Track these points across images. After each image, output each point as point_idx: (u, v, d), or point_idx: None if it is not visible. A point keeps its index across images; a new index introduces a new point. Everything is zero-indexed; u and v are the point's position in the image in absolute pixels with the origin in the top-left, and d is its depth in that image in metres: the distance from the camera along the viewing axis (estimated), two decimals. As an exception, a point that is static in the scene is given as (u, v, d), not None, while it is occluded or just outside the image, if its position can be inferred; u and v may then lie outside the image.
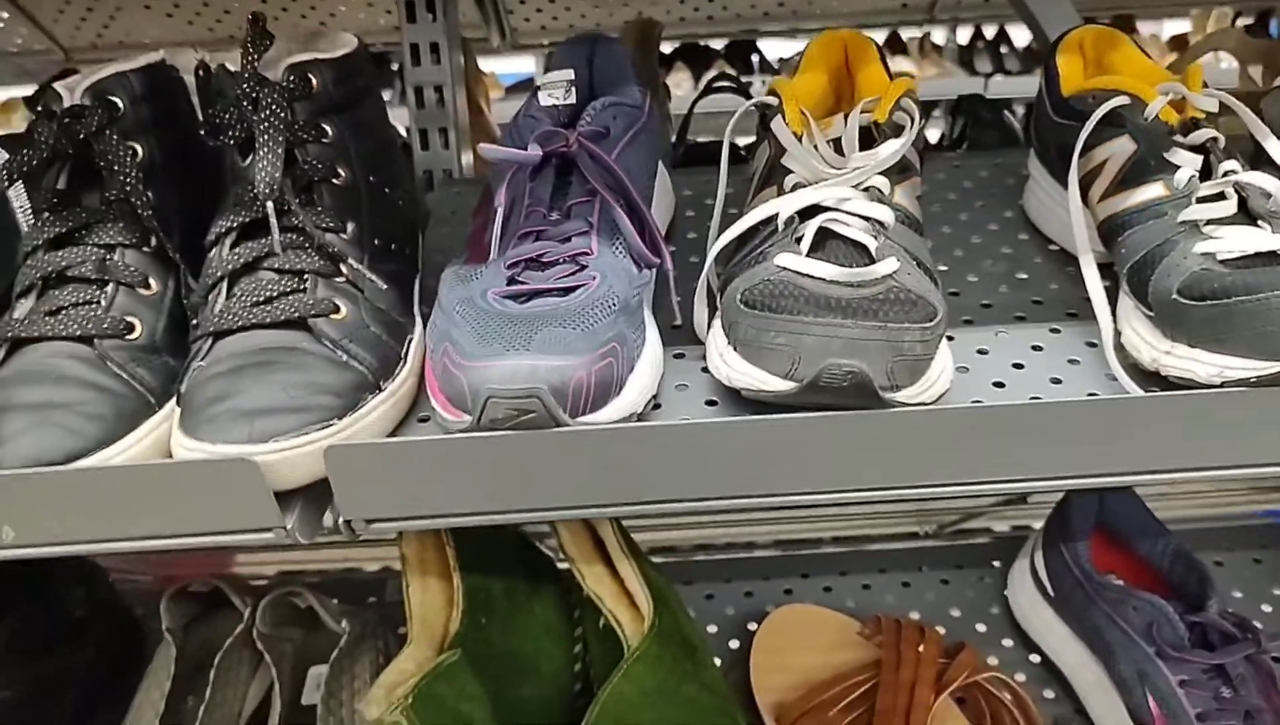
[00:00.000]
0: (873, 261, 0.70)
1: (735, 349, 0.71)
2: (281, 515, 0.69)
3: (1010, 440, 0.67)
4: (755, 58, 2.80)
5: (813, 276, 0.69)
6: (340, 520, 0.71)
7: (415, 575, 0.92)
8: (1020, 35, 2.89)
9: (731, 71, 2.62)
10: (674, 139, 1.37)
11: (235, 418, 0.68)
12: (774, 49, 2.87)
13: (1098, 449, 0.67)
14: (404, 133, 1.17)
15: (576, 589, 0.93)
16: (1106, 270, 0.79)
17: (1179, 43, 2.94)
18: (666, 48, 2.69)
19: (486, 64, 2.15)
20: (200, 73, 0.86)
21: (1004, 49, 2.87)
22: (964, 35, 2.93)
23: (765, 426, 0.66)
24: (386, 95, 2.61)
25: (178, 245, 0.82)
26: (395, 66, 2.72)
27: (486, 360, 0.66)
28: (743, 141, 1.38)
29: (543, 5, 1.53)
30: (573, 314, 0.69)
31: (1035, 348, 0.80)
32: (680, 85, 2.67)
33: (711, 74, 2.59)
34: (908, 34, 2.87)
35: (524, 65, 2.95)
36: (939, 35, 2.93)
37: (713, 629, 1.20)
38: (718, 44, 2.84)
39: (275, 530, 0.70)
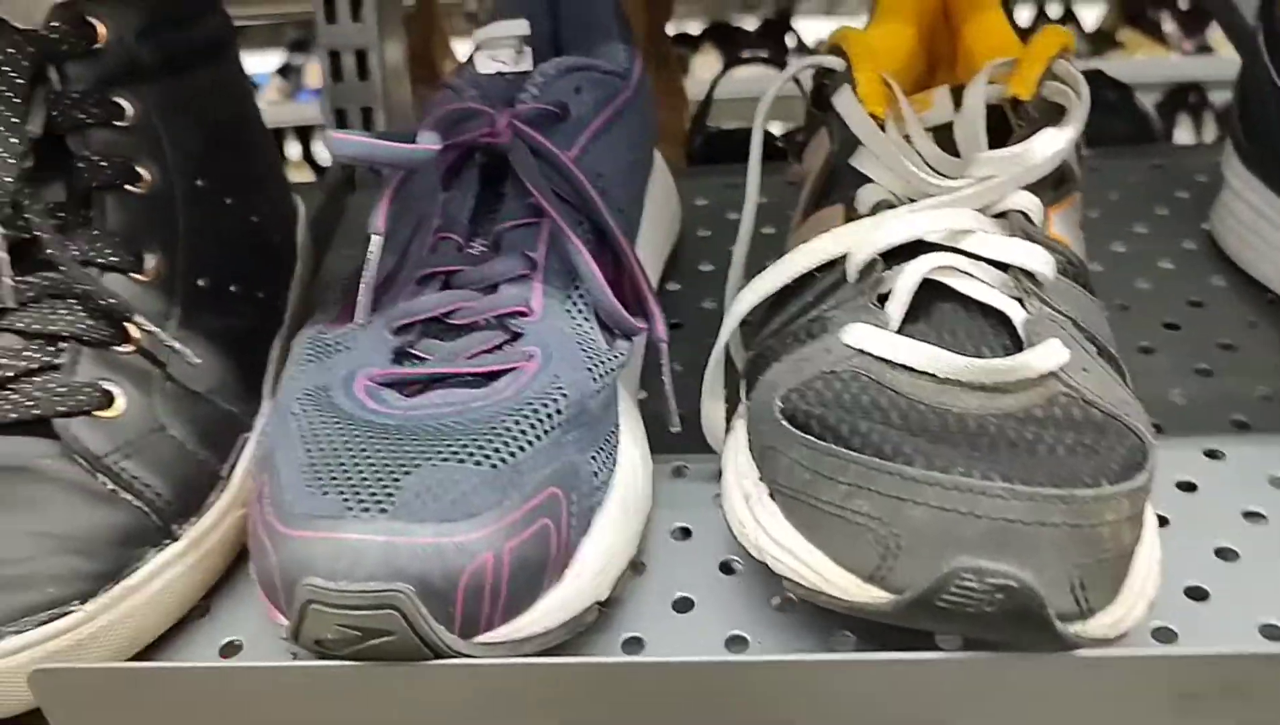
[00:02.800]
0: (1018, 344, 0.40)
1: (773, 496, 0.40)
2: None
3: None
4: (790, 40, 2.50)
5: (914, 370, 0.39)
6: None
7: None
8: (1089, 15, 2.57)
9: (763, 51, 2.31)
10: (689, 126, 1.06)
11: None
12: (812, 30, 2.57)
13: None
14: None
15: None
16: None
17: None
18: (694, 28, 2.39)
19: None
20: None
21: (1070, 29, 2.56)
22: (1024, 15, 2.61)
23: (826, 671, 0.36)
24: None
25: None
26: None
27: (309, 525, 0.37)
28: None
29: (528, -45, 1.22)
30: (482, 429, 0.39)
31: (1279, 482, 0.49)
32: (708, 68, 2.38)
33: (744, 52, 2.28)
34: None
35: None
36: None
37: None
38: (750, 25, 2.55)
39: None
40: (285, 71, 2.45)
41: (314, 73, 2.42)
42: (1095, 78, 1.13)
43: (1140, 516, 0.37)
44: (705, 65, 2.38)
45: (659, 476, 0.49)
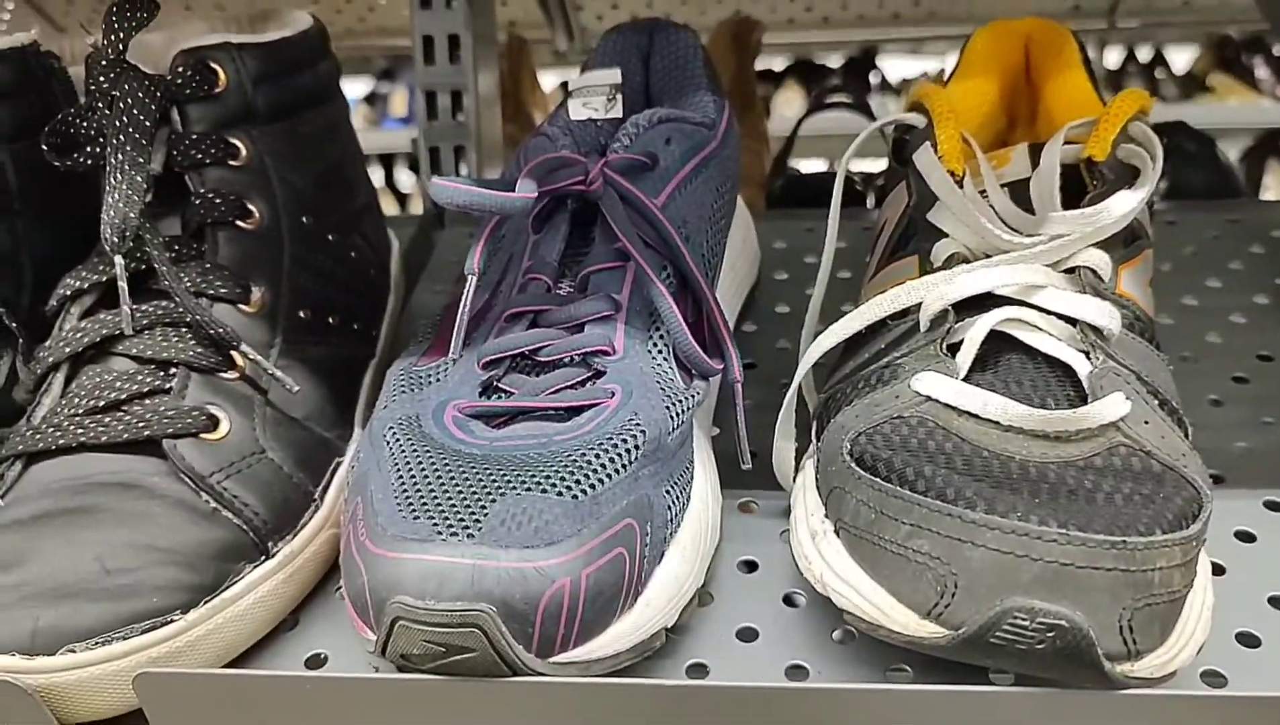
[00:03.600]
0: (1082, 396, 0.42)
1: (838, 533, 0.42)
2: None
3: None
4: (875, 77, 2.50)
5: (979, 417, 0.40)
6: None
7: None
8: (1178, 58, 2.55)
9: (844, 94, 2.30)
10: (769, 168, 1.07)
11: (16, 604, 0.42)
12: (896, 68, 2.56)
13: None
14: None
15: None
16: None
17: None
18: (778, 64, 2.40)
19: (566, 76, 1.90)
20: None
21: (1159, 73, 2.52)
22: (1113, 58, 2.59)
23: (883, 700, 0.37)
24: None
25: (28, 308, 0.57)
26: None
27: (400, 547, 0.39)
28: (860, 165, 1.09)
29: (619, 0, 1.25)
30: (564, 461, 0.41)
31: (1343, 536, 0.50)
32: (791, 105, 2.38)
33: (826, 87, 2.28)
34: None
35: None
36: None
37: None
38: (834, 62, 2.55)
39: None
40: (371, 99, 2.49)
41: (400, 101, 2.46)
42: (1177, 130, 1.13)
43: (1193, 564, 0.38)
44: (788, 102, 2.38)
45: (727, 511, 0.51)
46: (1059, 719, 0.37)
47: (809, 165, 1.54)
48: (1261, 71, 2.41)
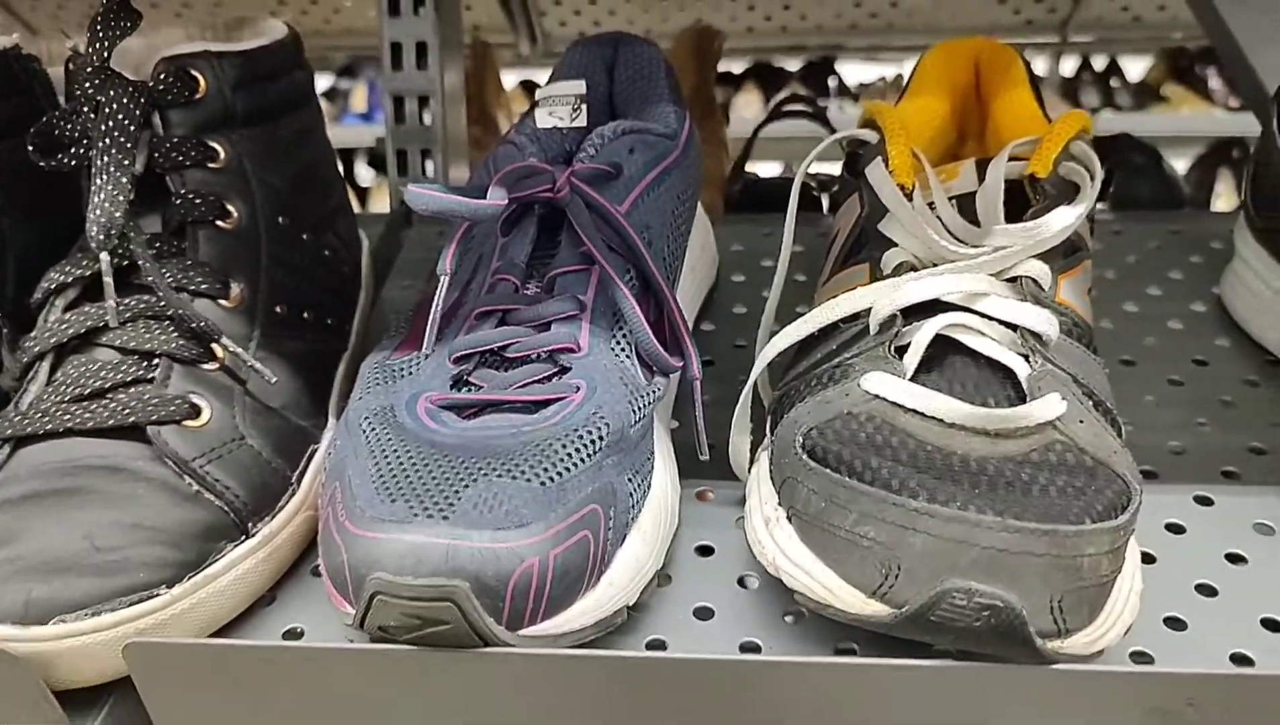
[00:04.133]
0: (1021, 396, 0.45)
1: (790, 520, 0.44)
2: None
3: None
4: (833, 81, 2.53)
5: (924, 415, 0.43)
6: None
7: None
8: (1133, 68, 2.60)
9: (804, 93, 2.32)
10: (728, 172, 1.10)
11: (9, 578, 0.44)
12: (854, 73, 2.60)
13: None
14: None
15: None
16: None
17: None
18: (736, 67, 2.45)
19: (527, 76, 1.92)
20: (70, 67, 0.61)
21: (1114, 82, 2.58)
22: (1069, 66, 2.64)
23: (828, 672, 0.41)
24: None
25: (11, 300, 0.58)
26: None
27: (378, 527, 0.41)
28: (818, 167, 1.11)
29: (581, 6, 1.28)
30: (533, 451, 0.44)
31: (1262, 528, 0.53)
32: (750, 107, 2.41)
33: (784, 96, 2.31)
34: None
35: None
36: (1040, 66, 2.63)
37: None
38: (792, 65, 2.58)
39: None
40: (331, 95, 2.50)
41: (360, 97, 2.47)
42: (1124, 142, 1.16)
43: (1121, 552, 0.41)
44: (747, 104, 2.40)
45: (686, 499, 0.54)
46: (995, 691, 0.40)
47: (767, 168, 1.56)
48: (1214, 82, 2.46)
